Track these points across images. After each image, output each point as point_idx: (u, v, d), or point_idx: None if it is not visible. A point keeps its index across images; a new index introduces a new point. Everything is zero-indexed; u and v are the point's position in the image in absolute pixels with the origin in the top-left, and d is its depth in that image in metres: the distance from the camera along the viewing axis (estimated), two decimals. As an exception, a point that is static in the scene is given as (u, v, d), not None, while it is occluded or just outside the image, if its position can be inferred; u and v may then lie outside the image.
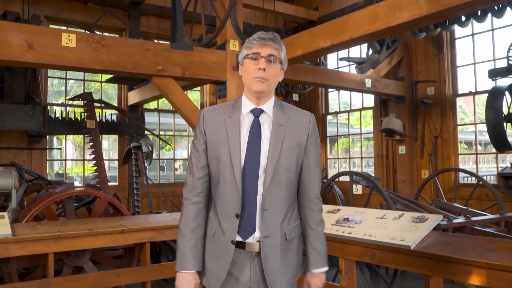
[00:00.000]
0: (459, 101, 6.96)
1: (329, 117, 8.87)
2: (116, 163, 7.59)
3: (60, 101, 13.81)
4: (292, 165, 1.89)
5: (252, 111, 1.90)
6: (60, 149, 8.85)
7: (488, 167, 16.41)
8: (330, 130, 9.06)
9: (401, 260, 2.85)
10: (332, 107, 9.21)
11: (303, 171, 1.95)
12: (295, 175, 1.91)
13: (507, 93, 5.29)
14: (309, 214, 1.96)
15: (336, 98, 8.97)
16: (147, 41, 4.34)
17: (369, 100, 8.11)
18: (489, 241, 2.67)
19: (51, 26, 6.89)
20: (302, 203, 1.97)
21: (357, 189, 5.48)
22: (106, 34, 7.37)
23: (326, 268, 1.97)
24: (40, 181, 5.11)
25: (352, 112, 8.66)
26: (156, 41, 7.42)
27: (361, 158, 8.45)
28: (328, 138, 8.83)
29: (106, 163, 6.09)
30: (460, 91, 6.85)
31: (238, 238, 1.84)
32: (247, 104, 1.91)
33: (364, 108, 8.37)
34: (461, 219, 4.14)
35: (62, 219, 4.47)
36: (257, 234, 1.84)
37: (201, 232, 1.90)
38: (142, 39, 6.05)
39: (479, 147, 11.72)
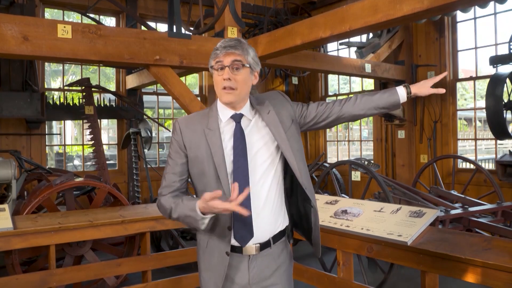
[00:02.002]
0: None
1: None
2: (115, 143, 7.60)
3: (58, 81, 13.78)
4: (298, 142, 1.89)
5: (233, 117, 1.83)
6: (60, 134, 8.83)
7: (487, 144, 16.39)
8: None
9: (398, 255, 2.89)
10: (332, 83, 9.17)
11: (329, 112, 1.94)
12: (301, 152, 1.91)
13: (508, 80, 5.25)
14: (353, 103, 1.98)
15: (335, 78, 8.91)
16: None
17: (369, 82, 8.05)
18: (485, 239, 2.70)
19: (46, 10, 6.78)
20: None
21: (356, 175, 5.49)
22: (103, 17, 7.27)
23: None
24: (40, 171, 5.11)
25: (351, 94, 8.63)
26: (153, 23, 7.33)
27: (360, 141, 8.45)
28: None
29: (105, 142, 6.04)
30: (460, 76, 6.79)
31: (235, 243, 1.81)
32: (224, 111, 1.85)
33: (363, 91, 8.33)
34: (458, 210, 4.17)
35: (63, 208, 4.51)
36: (255, 238, 1.82)
37: None
38: (138, 24, 5.98)
39: (478, 123, 11.71)
